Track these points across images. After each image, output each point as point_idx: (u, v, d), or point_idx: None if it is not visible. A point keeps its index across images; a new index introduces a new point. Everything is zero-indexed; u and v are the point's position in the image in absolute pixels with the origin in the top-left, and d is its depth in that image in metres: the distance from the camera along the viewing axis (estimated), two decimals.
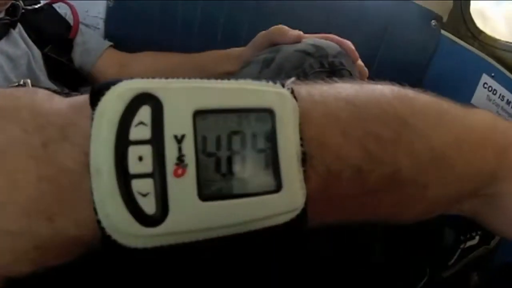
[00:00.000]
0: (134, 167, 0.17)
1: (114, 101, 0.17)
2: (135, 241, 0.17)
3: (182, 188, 0.17)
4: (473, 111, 0.25)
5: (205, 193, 0.18)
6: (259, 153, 0.19)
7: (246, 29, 0.62)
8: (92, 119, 0.17)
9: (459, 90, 0.74)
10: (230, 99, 0.18)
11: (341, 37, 0.51)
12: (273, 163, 0.19)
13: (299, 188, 0.19)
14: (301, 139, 0.19)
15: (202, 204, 0.17)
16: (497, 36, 0.73)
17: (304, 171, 0.19)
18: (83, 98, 0.19)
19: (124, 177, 0.17)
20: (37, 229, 0.17)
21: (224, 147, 0.18)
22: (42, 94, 0.19)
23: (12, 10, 0.67)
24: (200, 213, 0.17)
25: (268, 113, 0.19)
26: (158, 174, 0.17)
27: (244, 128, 0.18)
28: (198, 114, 0.18)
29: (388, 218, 0.24)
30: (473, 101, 0.73)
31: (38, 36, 0.70)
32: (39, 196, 0.17)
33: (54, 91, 0.20)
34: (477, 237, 0.62)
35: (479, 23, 0.75)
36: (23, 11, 0.69)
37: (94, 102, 0.17)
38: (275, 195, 0.19)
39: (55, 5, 0.75)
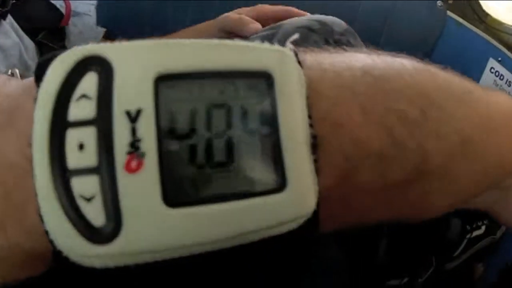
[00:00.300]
0: (73, 159, 0.12)
1: (55, 71, 0.13)
2: (89, 260, 0.12)
3: (139, 189, 0.11)
4: (491, 92, 0.21)
5: (174, 196, 0.11)
6: (253, 136, 0.12)
7: None
8: (35, 98, 0.13)
9: (466, 74, 0.69)
10: (208, 58, 0.12)
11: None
12: (273, 150, 0.13)
13: (309, 184, 0.13)
14: (309, 117, 0.14)
15: (169, 212, 0.11)
16: (503, 20, 0.68)
17: (315, 161, 0.14)
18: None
19: (61, 173, 0.12)
20: None
21: (202, 126, 0.12)
22: (0, 79, 0.16)
23: (2, 1, 0.64)
24: (167, 225, 0.11)
25: (264, 79, 0.13)
26: (105, 168, 0.11)
27: (230, 100, 0.12)
28: (163, 80, 0.12)
29: (405, 218, 0.20)
30: None
31: (29, 25, 0.68)
32: None
33: None
34: (483, 227, 0.59)
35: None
36: (13, 1, 0.65)
37: (39, 77, 0.13)
38: (277, 196, 0.12)
39: None
